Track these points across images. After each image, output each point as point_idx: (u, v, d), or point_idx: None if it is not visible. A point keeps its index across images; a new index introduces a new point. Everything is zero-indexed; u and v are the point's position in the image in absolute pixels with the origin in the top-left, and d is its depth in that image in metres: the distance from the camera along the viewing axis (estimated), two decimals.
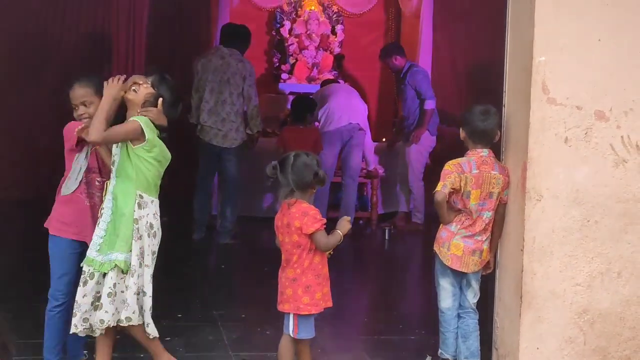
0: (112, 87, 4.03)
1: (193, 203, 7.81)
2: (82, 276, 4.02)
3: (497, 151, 4.38)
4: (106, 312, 3.94)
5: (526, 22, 4.12)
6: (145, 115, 4.05)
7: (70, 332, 4.04)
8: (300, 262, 4.02)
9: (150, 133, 4.02)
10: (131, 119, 4.03)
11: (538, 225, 4.07)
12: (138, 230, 3.98)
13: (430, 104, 8.52)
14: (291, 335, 4.07)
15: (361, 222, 9.03)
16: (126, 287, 3.97)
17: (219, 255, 7.59)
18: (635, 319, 4.16)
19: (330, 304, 4.12)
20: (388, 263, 7.92)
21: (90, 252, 3.99)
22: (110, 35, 9.90)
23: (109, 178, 4.11)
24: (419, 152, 8.65)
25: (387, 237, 8.46)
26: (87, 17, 9.78)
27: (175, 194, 8.65)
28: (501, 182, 4.28)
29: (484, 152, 4.30)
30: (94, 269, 3.97)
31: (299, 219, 3.99)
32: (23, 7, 9.26)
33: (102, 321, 3.95)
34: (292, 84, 10.37)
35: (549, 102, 4.04)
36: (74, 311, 4.01)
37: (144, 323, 4.04)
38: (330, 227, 4.06)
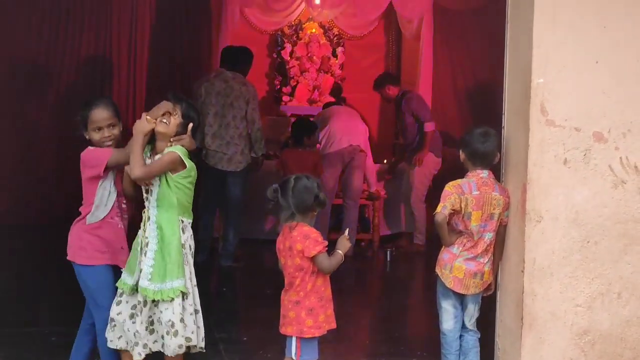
0: (142, 124, 4.07)
1: (197, 225, 7.82)
2: (133, 306, 4.15)
3: (496, 173, 4.40)
4: (183, 336, 4.08)
5: (524, 44, 4.15)
6: (179, 144, 4.12)
7: None
8: (303, 284, 4.02)
9: (189, 161, 4.12)
10: (168, 150, 4.08)
11: (538, 247, 4.08)
12: (186, 255, 4.13)
13: (429, 126, 8.54)
14: (293, 358, 4.06)
15: (363, 243, 9.02)
16: (184, 309, 4.11)
17: (221, 278, 7.59)
18: (635, 340, 4.16)
19: (334, 325, 4.11)
20: (389, 285, 7.91)
21: (143, 282, 4.07)
22: (111, 58, 9.94)
23: (129, 201, 4.23)
24: (423, 174, 8.65)
25: (388, 259, 8.46)
26: (88, 40, 9.81)
27: None
28: (502, 203, 4.29)
29: (484, 174, 4.31)
30: (147, 297, 4.07)
31: (300, 242, 4.00)
32: (24, 30, 9.32)
33: (180, 346, 4.08)
34: (294, 106, 10.42)
35: (547, 123, 4.06)
36: (134, 341, 4.12)
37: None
38: (331, 249, 4.07)
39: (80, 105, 4.29)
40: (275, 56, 10.74)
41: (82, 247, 4.20)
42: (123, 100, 9.88)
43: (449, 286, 4.35)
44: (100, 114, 4.18)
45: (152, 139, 4.14)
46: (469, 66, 10.12)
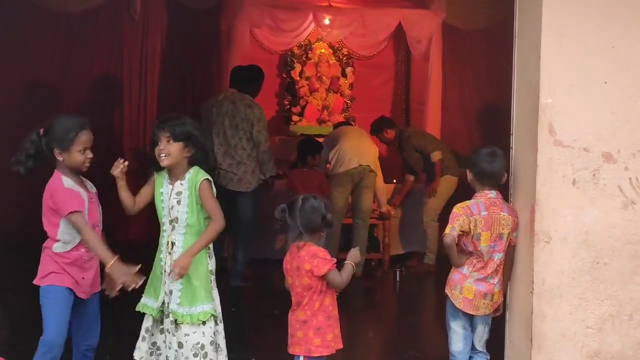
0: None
1: None
2: (160, 328, 4.26)
3: (504, 193, 4.39)
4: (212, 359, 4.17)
5: (532, 64, 4.15)
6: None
7: None
8: (310, 304, 4.01)
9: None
10: (202, 177, 4.20)
11: (547, 267, 4.06)
12: (213, 280, 4.26)
13: (436, 156, 8.61)
14: None
15: (373, 263, 9.00)
16: (217, 332, 4.23)
17: (229, 298, 7.54)
18: None
19: (340, 345, 4.10)
20: (398, 305, 7.88)
21: (172, 305, 4.16)
22: (122, 79, 9.99)
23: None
24: (437, 193, 8.65)
25: (397, 279, 8.43)
26: (99, 61, 9.87)
27: None
28: (510, 223, 4.27)
29: (492, 194, 4.30)
30: (176, 320, 4.15)
31: (308, 262, 3.99)
32: (37, 52, 9.39)
33: None
34: (303, 126, 10.43)
35: (556, 144, 4.05)
36: None
37: None
38: (340, 268, 4.06)
39: (53, 124, 4.17)
40: (285, 76, 10.77)
41: (46, 269, 4.13)
42: (134, 121, 9.92)
43: (458, 307, 4.33)
44: (89, 134, 4.16)
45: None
46: (478, 86, 10.14)
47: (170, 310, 4.18)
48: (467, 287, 4.31)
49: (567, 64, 4.07)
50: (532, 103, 4.13)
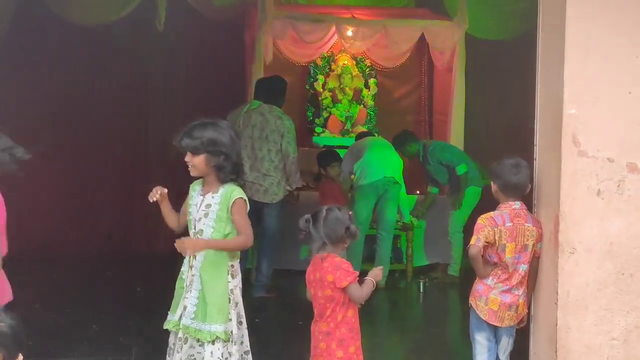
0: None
1: None
2: (174, 343, 4.17)
3: (528, 204, 4.38)
4: None
5: (556, 74, 4.14)
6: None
7: None
8: (333, 315, 4.02)
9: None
10: (237, 195, 4.16)
11: (572, 279, 4.04)
12: (234, 299, 4.15)
13: (461, 169, 8.65)
14: None
15: (396, 274, 8.99)
16: (230, 354, 4.11)
17: (253, 309, 7.54)
18: None
19: (362, 358, 4.09)
20: (422, 316, 7.86)
21: (186, 320, 4.10)
22: (146, 94, 10.07)
23: None
24: (462, 205, 8.65)
25: (421, 290, 8.41)
26: (123, 73, 9.94)
27: None
28: (535, 234, 4.26)
29: (516, 205, 4.30)
30: (188, 334, 4.09)
31: (331, 273, 3.99)
32: (62, 66, 9.49)
33: None
34: (326, 137, 10.44)
35: (580, 154, 4.03)
36: None
37: None
38: (362, 282, 4.06)
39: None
40: (308, 88, 10.79)
41: None
42: (158, 135, 9.97)
43: (483, 318, 4.32)
44: None
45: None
46: (501, 97, 10.11)
47: (181, 325, 4.11)
48: (492, 298, 4.31)
49: (591, 74, 4.06)
50: (555, 113, 4.12)
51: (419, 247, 9.17)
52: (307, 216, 4.11)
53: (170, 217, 4.29)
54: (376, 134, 10.00)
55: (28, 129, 9.20)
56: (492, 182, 4.40)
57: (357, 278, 4.01)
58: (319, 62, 10.74)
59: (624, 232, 4.05)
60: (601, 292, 4.04)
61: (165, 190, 4.20)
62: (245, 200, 4.17)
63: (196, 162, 4.14)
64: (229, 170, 4.17)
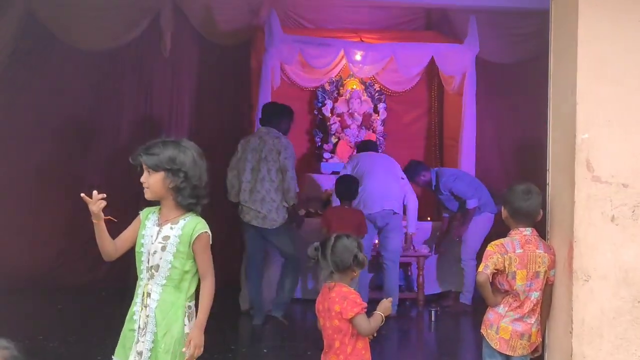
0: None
1: (246, 284, 7.91)
2: None
3: (541, 230, 4.37)
4: None
5: (568, 99, 4.15)
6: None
7: None
8: (342, 348, 4.00)
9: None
10: (201, 230, 3.76)
11: (587, 307, 4.03)
12: (190, 343, 3.70)
13: (472, 203, 8.68)
14: None
15: (407, 303, 8.97)
16: None
17: (260, 337, 7.55)
18: None
19: None
20: (434, 346, 7.82)
21: None
22: (152, 118, 10.10)
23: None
24: (475, 229, 8.66)
25: (433, 319, 8.39)
26: (129, 99, 10.00)
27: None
28: (547, 260, 4.26)
29: (527, 231, 4.30)
30: None
31: (339, 304, 3.99)
32: (67, 91, 9.54)
33: None
34: (335, 164, 10.45)
35: (593, 180, 4.03)
36: None
37: None
38: (372, 309, 4.05)
39: None
40: (316, 113, 10.82)
41: None
42: None
43: (494, 347, 4.31)
44: None
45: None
46: (513, 121, 10.13)
47: None
48: (503, 326, 4.30)
49: (604, 98, 4.06)
50: (568, 138, 4.12)
51: (429, 275, 9.14)
52: (316, 244, 4.12)
53: (104, 238, 3.79)
54: (378, 144, 9.89)
55: (30, 154, 9.31)
56: (502, 208, 4.40)
57: (365, 309, 4.00)
58: (327, 87, 10.78)
59: (639, 259, 4.03)
60: (617, 320, 4.03)
61: (104, 196, 3.71)
62: (209, 234, 3.79)
63: (152, 182, 3.77)
64: (187, 193, 3.77)
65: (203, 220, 3.81)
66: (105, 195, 3.71)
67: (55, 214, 9.45)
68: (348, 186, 8.11)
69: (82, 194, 3.71)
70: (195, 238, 3.75)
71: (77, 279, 9.35)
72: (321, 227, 7.89)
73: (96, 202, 3.71)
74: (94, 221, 3.75)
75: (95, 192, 3.71)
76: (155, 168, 3.78)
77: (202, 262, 3.77)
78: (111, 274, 8.94)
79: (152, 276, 3.77)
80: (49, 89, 9.40)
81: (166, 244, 3.76)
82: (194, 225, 3.77)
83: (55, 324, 7.62)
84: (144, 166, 3.81)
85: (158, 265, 3.76)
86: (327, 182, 9.83)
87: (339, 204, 8.12)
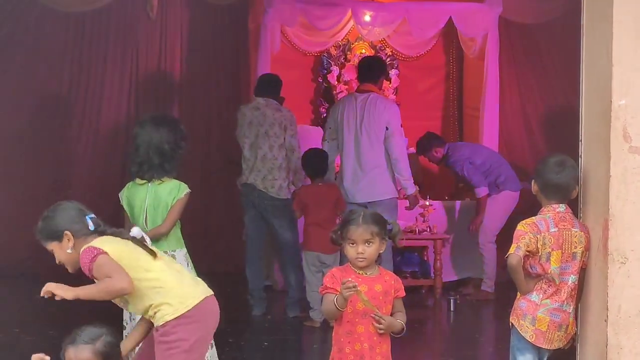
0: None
1: (246, 273, 7.91)
2: None
3: (573, 208, 4.36)
4: None
5: (603, 61, 4.13)
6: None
7: None
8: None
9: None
10: None
11: (623, 292, 4.03)
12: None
13: (481, 192, 8.70)
14: None
15: (423, 290, 9.00)
16: None
17: (269, 331, 7.58)
18: None
19: None
20: (453, 338, 7.85)
21: None
22: (137, 90, 10.11)
23: None
24: (495, 210, 8.65)
25: (452, 309, 8.41)
26: (113, 64, 9.99)
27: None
28: (584, 240, 4.25)
29: (561, 208, 4.28)
30: None
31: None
32: (47, 55, 9.57)
33: None
34: None
35: (631, 151, 4.03)
36: None
37: None
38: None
39: None
40: (321, 80, 10.80)
41: None
42: None
43: (529, 340, 4.27)
44: None
45: None
46: (541, 88, 10.10)
47: None
48: (540, 317, 4.26)
49: None
50: (603, 106, 4.11)
51: (446, 260, 9.13)
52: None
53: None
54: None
55: (6, 125, 9.31)
56: (532, 182, 4.38)
57: (327, 290, 3.98)
58: (333, 52, 10.75)
59: None
60: None
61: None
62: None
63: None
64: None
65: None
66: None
67: (33, 191, 9.43)
68: (317, 161, 7.70)
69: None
70: None
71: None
72: (294, 210, 7.60)
73: None
74: None
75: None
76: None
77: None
78: None
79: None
80: (24, 53, 9.39)
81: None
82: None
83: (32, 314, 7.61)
84: None
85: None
86: None
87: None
